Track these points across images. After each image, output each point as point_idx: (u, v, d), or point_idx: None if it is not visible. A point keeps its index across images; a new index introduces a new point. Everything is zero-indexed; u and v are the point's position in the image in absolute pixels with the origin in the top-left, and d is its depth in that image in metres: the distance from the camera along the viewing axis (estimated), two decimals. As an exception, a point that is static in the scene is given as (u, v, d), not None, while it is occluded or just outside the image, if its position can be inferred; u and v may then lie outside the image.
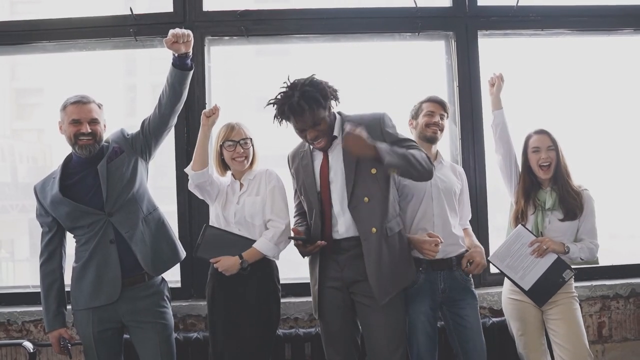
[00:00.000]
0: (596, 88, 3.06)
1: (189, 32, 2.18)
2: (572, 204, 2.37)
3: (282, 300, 2.33)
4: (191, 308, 2.67)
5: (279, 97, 2.08)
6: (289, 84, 2.07)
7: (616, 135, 3.10)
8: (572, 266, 2.36)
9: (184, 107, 2.43)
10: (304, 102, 2.00)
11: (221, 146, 2.31)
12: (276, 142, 2.49)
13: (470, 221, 2.53)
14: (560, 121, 2.83)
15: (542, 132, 2.44)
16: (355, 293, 2.14)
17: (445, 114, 2.41)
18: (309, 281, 2.25)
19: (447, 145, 2.89)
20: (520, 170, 2.50)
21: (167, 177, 2.83)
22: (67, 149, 2.25)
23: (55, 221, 2.22)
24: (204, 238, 2.24)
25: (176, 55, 2.19)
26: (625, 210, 3.17)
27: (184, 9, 2.82)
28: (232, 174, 2.38)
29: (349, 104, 2.19)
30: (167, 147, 2.57)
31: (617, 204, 3.09)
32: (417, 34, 2.88)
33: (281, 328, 2.60)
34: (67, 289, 2.26)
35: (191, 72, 2.25)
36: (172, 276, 2.62)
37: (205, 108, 2.70)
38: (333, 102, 2.11)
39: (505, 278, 2.40)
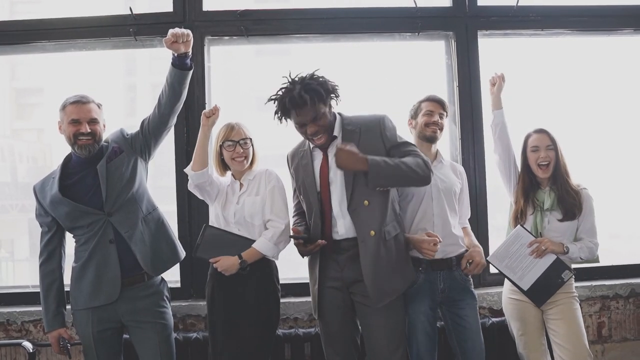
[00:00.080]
0: (596, 88, 3.06)
1: (189, 31, 2.19)
2: (571, 203, 2.37)
3: (282, 300, 2.33)
4: (191, 308, 2.67)
5: (280, 92, 2.08)
6: (290, 79, 2.08)
7: (616, 135, 3.09)
8: (573, 265, 2.36)
9: (184, 107, 2.43)
10: (305, 94, 2.00)
11: (221, 146, 2.31)
12: (276, 142, 2.49)
13: (470, 221, 2.53)
14: (560, 121, 2.82)
15: (541, 132, 2.44)
16: (355, 293, 2.14)
17: (445, 113, 2.40)
18: (308, 281, 2.25)
19: (447, 145, 2.89)
20: (519, 170, 2.50)
21: (167, 177, 2.82)
22: (67, 149, 2.26)
23: (54, 221, 2.22)
24: (204, 238, 2.24)
25: (176, 55, 2.19)
26: (626, 210, 3.16)
27: (183, 8, 2.82)
28: (232, 174, 2.38)
29: (349, 103, 2.18)
30: (167, 147, 2.57)
31: (618, 204, 3.08)
32: (417, 34, 2.88)
33: (281, 328, 2.60)
34: (67, 288, 2.26)
35: (191, 72, 2.26)
36: (172, 276, 2.62)
37: (205, 108, 2.71)
38: (333, 101, 2.11)
39: (506, 278, 2.40)
